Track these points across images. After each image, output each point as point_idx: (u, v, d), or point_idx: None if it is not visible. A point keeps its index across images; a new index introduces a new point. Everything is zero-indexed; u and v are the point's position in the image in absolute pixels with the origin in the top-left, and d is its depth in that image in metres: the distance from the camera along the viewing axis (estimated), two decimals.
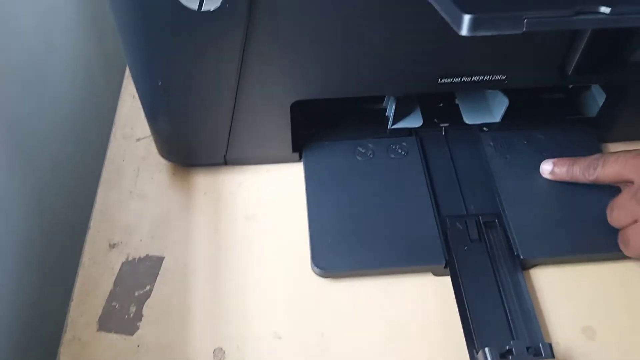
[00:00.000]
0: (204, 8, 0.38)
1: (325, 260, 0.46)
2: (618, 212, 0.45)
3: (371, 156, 0.53)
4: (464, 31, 0.32)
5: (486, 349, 0.39)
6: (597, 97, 0.55)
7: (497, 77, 0.47)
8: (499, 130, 0.54)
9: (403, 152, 0.53)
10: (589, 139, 0.54)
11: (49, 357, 0.44)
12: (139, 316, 0.45)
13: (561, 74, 0.47)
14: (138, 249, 0.49)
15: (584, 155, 0.49)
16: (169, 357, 0.43)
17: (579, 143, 0.53)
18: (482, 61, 0.46)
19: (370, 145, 0.53)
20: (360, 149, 0.53)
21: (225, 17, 0.39)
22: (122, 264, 0.48)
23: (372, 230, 0.48)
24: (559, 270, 0.47)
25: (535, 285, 0.46)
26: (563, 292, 0.46)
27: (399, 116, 0.55)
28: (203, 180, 0.53)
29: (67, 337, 0.44)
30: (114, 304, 0.45)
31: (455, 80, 0.47)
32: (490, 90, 0.55)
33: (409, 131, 0.55)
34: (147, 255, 0.48)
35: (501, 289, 0.44)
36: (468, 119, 0.55)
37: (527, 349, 0.39)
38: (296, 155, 0.53)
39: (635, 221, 0.44)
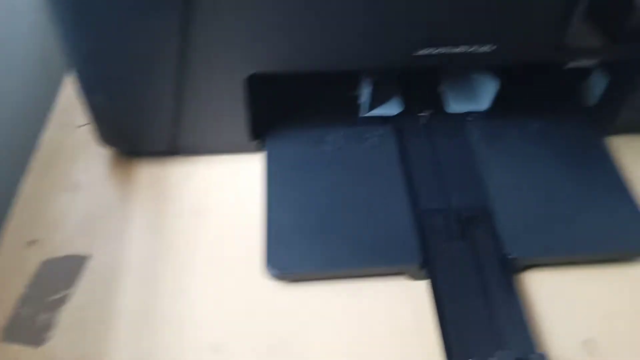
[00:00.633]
0: None
1: (282, 260, 0.40)
2: None
3: (341, 146, 0.47)
4: None
5: None
6: (599, 83, 0.49)
7: (485, 47, 0.41)
8: (487, 119, 0.49)
9: (377, 142, 0.47)
10: (588, 130, 0.48)
11: None
12: (51, 325, 0.37)
13: (557, 45, 0.41)
14: (61, 247, 0.42)
15: (582, 148, 0.44)
16: None
17: (577, 134, 0.48)
18: (468, 26, 0.40)
19: (340, 133, 0.48)
20: (329, 138, 0.47)
21: None
22: (40, 264, 0.40)
23: (339, 227, 0.41)
24: (557, 273, 0.40)
25: (529, 290, 0.39)
26: (561, 298, 0.39)
27: (375, 103, 0.49)
28: (147, 171, 0.47)
29: None
30: (23, 310, 0.38)
31: (437, 51, 0.41)
32: (478, 75, 0.49)
33: (385, 120, 0.49)
34: (69, 254, 0.41)
35: (487, 292, 0.37)
36: (452, 107, 0.49)
37: None
38: (255, 144, 0.47)
39: None
